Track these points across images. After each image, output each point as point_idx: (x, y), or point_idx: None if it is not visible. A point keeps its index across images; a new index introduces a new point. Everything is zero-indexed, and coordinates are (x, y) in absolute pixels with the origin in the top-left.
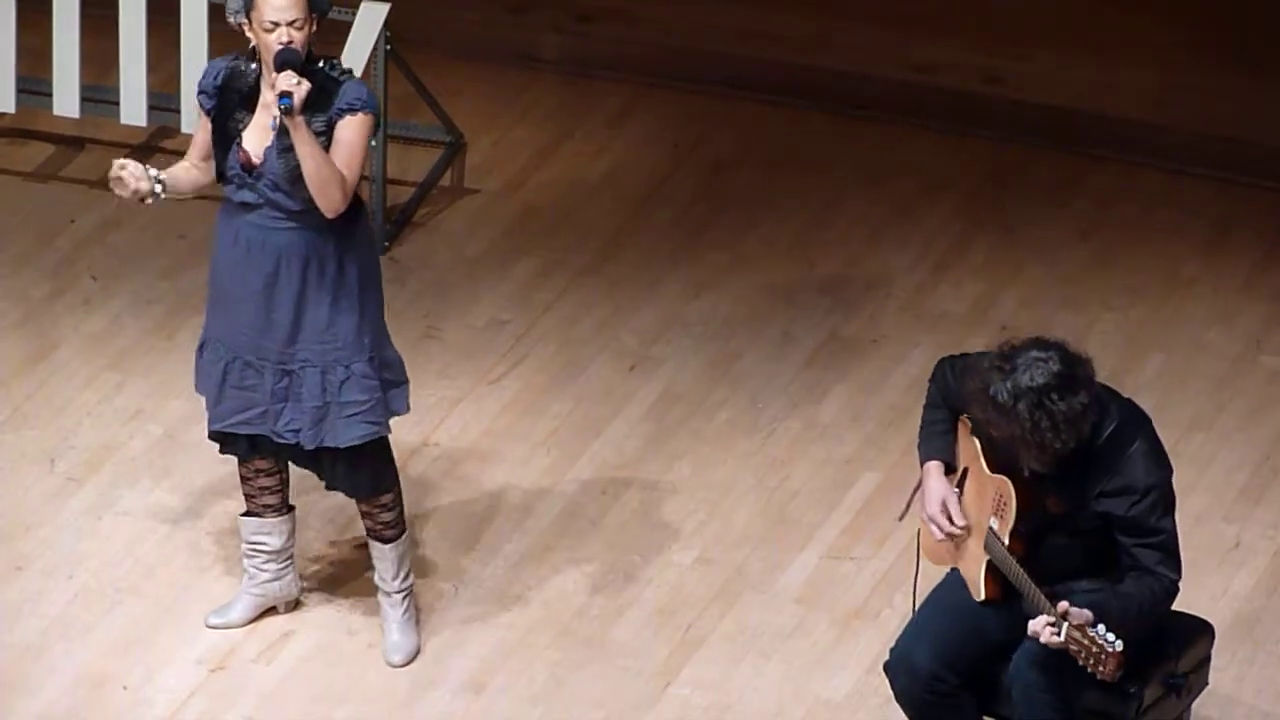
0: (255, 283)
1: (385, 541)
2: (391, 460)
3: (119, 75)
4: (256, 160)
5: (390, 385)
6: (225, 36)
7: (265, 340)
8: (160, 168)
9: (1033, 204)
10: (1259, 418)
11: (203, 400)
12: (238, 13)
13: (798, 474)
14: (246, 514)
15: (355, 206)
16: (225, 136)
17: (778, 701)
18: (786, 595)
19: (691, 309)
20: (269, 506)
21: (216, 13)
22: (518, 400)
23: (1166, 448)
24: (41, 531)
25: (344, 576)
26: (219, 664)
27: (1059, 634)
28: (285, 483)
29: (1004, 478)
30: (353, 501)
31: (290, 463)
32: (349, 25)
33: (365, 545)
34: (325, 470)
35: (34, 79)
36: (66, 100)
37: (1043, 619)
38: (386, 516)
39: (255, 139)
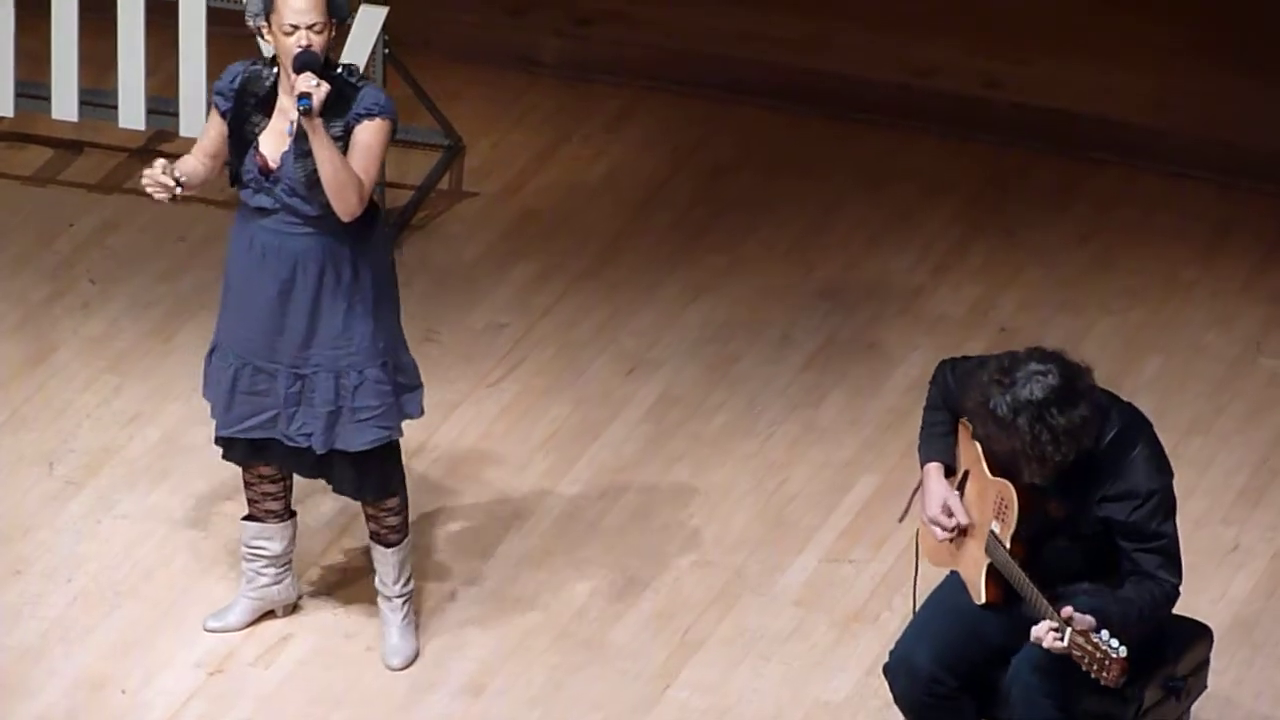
0: (270, 288)
1: (388, 545)
2: (400, 464)
3: (117, 79)
4: (273, 165)
5: (404, 389)
6: (224, 40)
7: (279, 344)
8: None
9: (1033, 208)
10: (1258, 420)
11: (200, 403)
12: (257, 15)
13: (796, 477)
14: (248, 518)
15: (371, 211)
16: (241, 141)
17: (776, 704)
18: (785, 598)
19: (690, 312)
20: (271, 512)
21: (215, 16)
22: (516, 403)
23: (1165, 450)
24: (40, 534)
25: (342, 580)
26: (217, 667)
27: (1062, 639)
28: (289, 489)
29: (1006, 481)
30: (351, 505)
31: (300, 475)
32: (348, 28)
33: (365, 549)
34: (333, 473)
35: (32, 83)
36: (65, 104)
37: (1046, 624)
38: (392, 521)
39: (272, 143)
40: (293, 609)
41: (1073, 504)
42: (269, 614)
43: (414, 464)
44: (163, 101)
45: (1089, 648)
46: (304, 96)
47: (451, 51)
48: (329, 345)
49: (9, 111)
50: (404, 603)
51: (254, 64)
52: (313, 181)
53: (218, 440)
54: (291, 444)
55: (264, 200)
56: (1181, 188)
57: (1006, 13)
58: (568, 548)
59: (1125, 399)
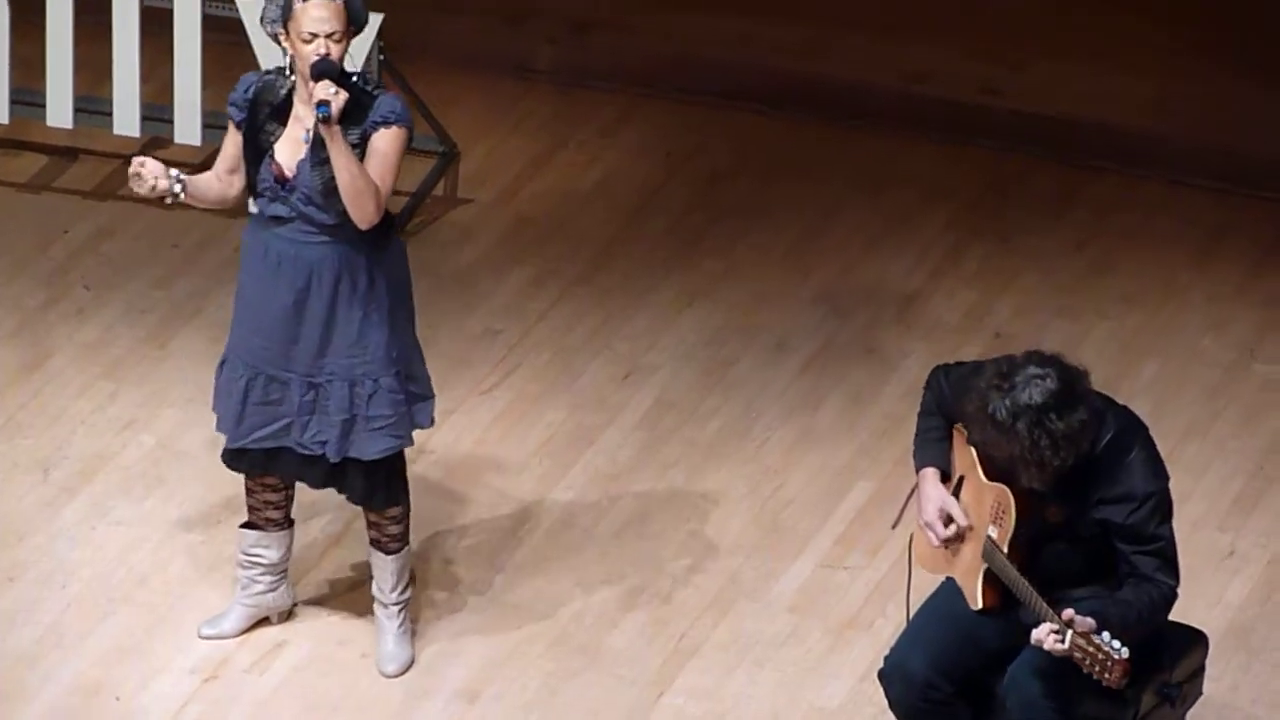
0: (286, 297)
1: (388, 553)
2: (404, 473)
3: (112, 85)
4: (289, 173)
5: (416, 399)
6: (218, 47)
7: (293, 353)
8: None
9: (1031, 214)
10: (1253, 425)
11: (195, 409)
12: (274, 22)
13: (792, 483)
14: (247, 525)
15: (387, 220)
16: (257, 150)
17: (772, 710)
18: (780, 604)
19: (685, 317)
20: (271, 520)
21: (210, 23)
22: (511, 409)
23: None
24: (35, 540)
25: (337, 587)
26: (212, 673)
27: (1063, 641)
28: (290, 498)
29: (1003, 486)
30: (345, 513)
31: (308, 485)
32: None
33: (361, 556)
34: (344, 481)
35: (27, 90)
36: (60, 111)
37: (1046, 626)
38: (394, 529)
39: (288, 152)
40: (288, 616)
41: (1070, 508)
42: (264, 621)
43: (409, 469)
44: (157, 109)
45: (1090, 649)
46: (323, 103)
47: (447, 58)
48: (344, 354)
49: (4, 118)
50: (401, 610)
51: (268, 73)
52: (329, 189)
53: (227, 452)
54: (305, 452)
55: (279, 209)
56: (1178, 193)
57: (1005, 18)
58: (562, 553)
59: (1121, 403)
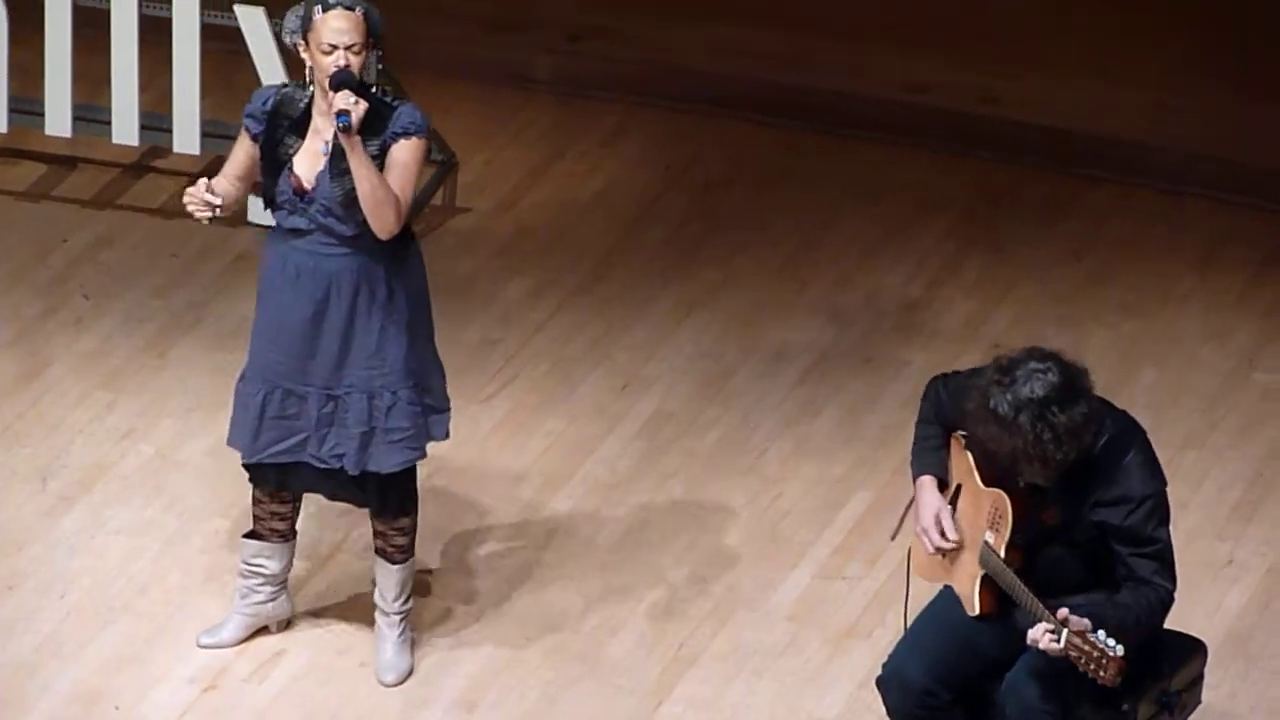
0: (305, 309)
1: (394, 563)
2: (415, 485)
3: (111, 94)
4: (308, 185)
5: (432, 411)
6: (217, 56)
7: (311, 366)
8: (152, 187)
9: (1027, 224)
10: (1251, 434)
11: (193, 418)
12: (294, 33)
13: (790, 493)
14: (250, 535)
15: (406, 231)
16: (275, 163)
17: (770, 719)
18: (779, 613)
19: (684, 328)
20: (276, 531)
21: (209, 32)
22: (510, 419)
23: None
24: (34, 550)
25: (336, 595)
26: (211, 683)
27: (1058, 640)
28: (296, 510)
29: (1000, 491)
30: (347, 521)
31: (322, 495)
32: None
33: (360, 566)
34: (359, 493)
35: (26, 98)
36: (58, 119)
37: (1042, 626)
38: (401, 540)
39: (306, 164)
40: (286, 625)
41: (1067, 511)
42: (263, 630)
43: None
44: (156, 117)
45: (1085, 648)
46: (343, 113)
47: (445, 68)
48: (362, 366)
49: (2, 127)
50: (402, 619)
51: (285, 86)
52: (349, 201)
53: (245, 467)
54: (323, 465)
55: (298, 221)
56: (1176, 202)
57: (1002, 28)
58: (561, 563)
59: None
